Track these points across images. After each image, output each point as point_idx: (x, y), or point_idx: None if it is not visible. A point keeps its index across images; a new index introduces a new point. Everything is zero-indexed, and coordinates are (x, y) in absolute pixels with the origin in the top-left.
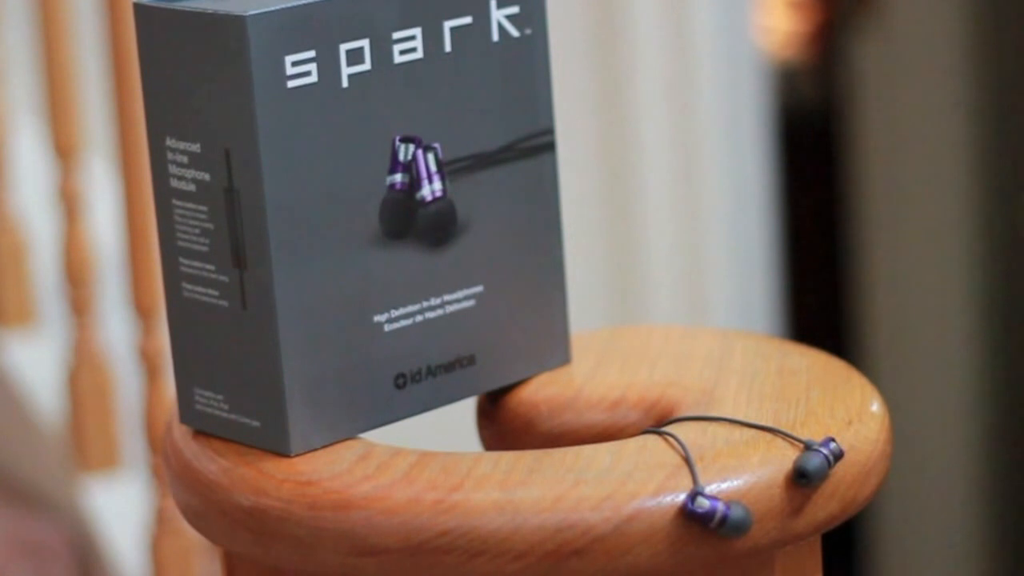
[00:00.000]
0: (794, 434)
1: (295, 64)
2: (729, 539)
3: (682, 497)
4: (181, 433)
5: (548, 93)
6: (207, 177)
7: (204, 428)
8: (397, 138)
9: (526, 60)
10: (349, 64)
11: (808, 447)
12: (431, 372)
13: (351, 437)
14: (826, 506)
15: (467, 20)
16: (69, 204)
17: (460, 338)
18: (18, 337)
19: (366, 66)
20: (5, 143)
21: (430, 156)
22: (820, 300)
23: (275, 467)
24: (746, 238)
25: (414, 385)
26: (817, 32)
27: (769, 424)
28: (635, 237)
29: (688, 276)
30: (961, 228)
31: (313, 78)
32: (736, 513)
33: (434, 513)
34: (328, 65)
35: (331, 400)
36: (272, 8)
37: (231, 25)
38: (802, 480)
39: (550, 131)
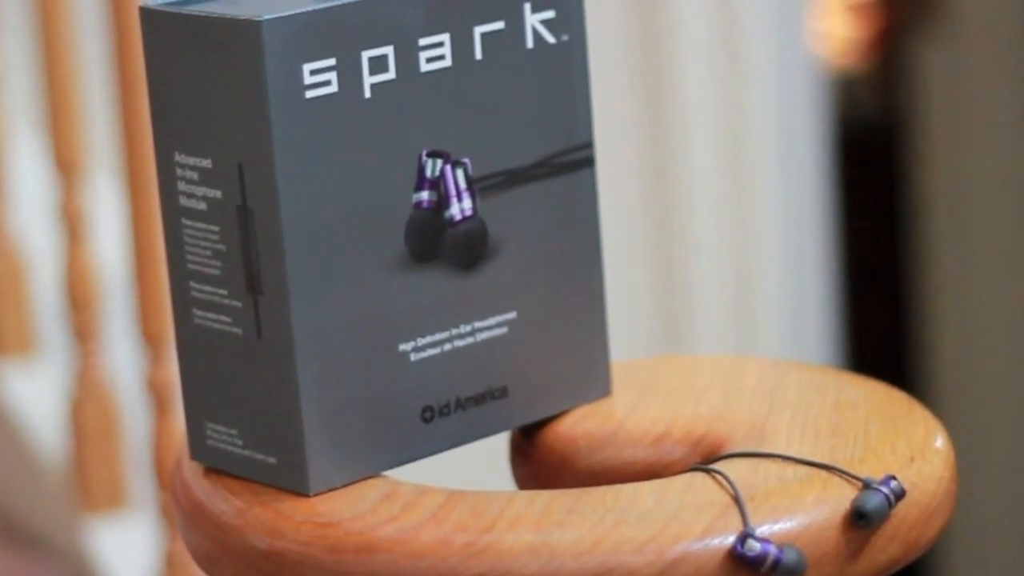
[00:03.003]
0: (852, 471)
1: (314, 73)
2: None
3: (731, 539)
4: (192, 470)
5: (587, 104)
6: (219, 195)
7: (216, 465)
8: (424, 153)
9: (563, 68)
10: (372, 73)
11: (867, 485)
12: (460, 405)
13: (374, 475)
14: (886, 549)
15: (499, 25)
16: (71, 223)
17: (492, 368)
18: (17, 367)
19: (390, 75)
20: (3, 157)
21: (459, 172)
22: (880, 327)
23: (293, 507)
24: (801, 260)
25: (442, 419)
26: (877, 38)
27: (825, 461)
28: (681, 258)
29: (738, 301)
30: None
31: (333, 88)
32: (789, 557)
33: (464, 557)
34: (349, 74)
35: (353, 435)
36: (289, 12)
37: (245, 30)
38: (861, 521)
39: (589, 145)
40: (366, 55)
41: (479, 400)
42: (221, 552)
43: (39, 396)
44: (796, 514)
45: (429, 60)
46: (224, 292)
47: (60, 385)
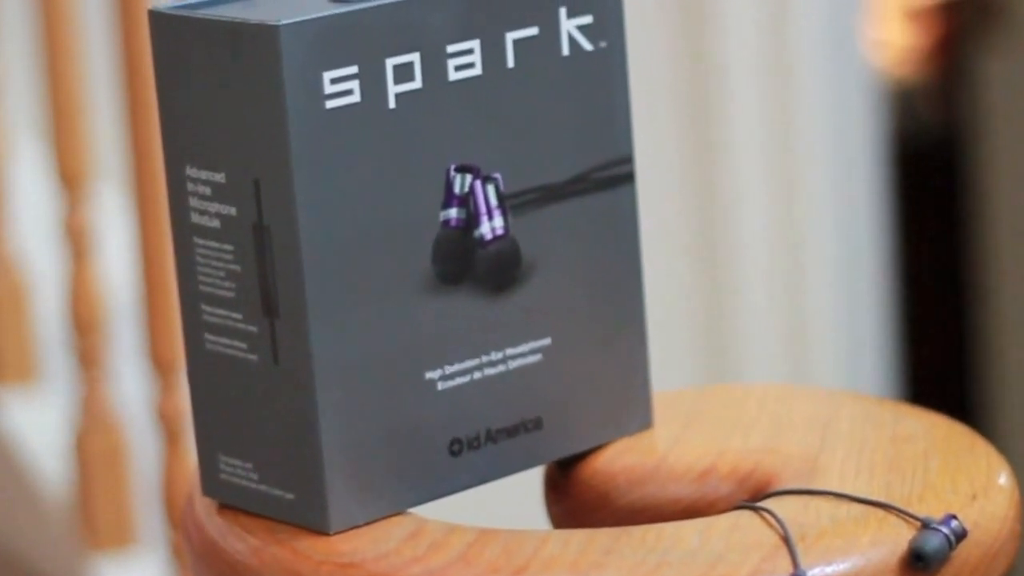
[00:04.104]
0: (910, 510)
1: (334, 81)
2: None
3: None
4: (204, 507)
5: (627, 115)
6: (233, 211)
7: (230, 501)
8: (452, 167)
9: (601, 77)
10: (397, 82)
11: (926, 525)
12: (491, 437)
13: (399, 512)
14: None
15: (533, 31)
16: (75, 240)
17: (525, 398)
18: (18, 395)
19: (416, 84)
20: (3, 170)
21: (490, 188)
22: (940, 355)
23: (312, 546)
24: (856, 283)
25: (472, 452)
26: (937, 47)
27: (881, 499)
28: (728, 281)
29: (789, 327)
30: None
31: (355, 97)
32: None
33: None
34: (373, 82)
35: (376, 469)
36: (309, 16)
37: (261, 36)
38: (919, 563)
39: (629, 159)
40: (391, 63)
41: (511, 432)
42: None
43: (41, 426)
44: (850, 556)
45: (458, 68)
46: (239, 316)
47: (63, 414)
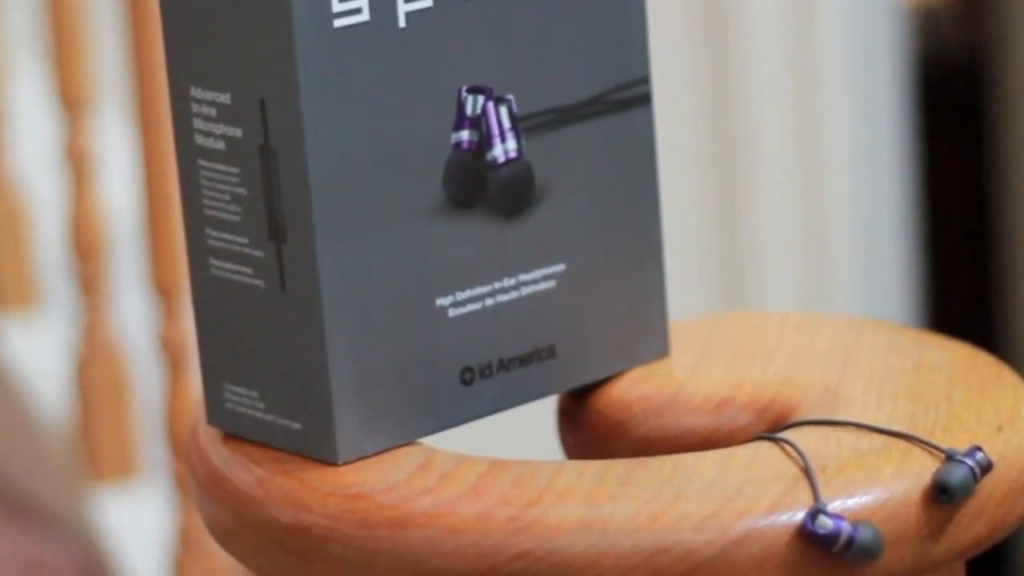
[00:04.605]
0: (934, 442)
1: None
2: (856, 566)
3: (800, 516)
4: (209, 436)
5: (643, 35)
6: (239, 133)
7: (236, 431)
8: (464, 88)
9: None
10: (407, 0)
11: (950, 457)
12: (503, 366)
13: (409, 442)
14: (971, 527)
15: None
16: (77, 164)
17: (538, 326)
18: (17, 322)
19: (427, 2)
20: (3, 94)
21: (503, 110)
22: (964, 282)
23: (319, 477)
24: (876, 209)
25: (483, 381)
26: None
27: (904, 430)
28: (746, 206)
29: (808, 254)
30: None
31: (364, 16)
32: (864, 535)
33: (507, 533)
34: (382, 1)
35: (385, 398)
36: None
37: None
38: (943, 496)
39: (645, 80)
40: None
41: (524, 361)
42: (240, 526)
43: (41, 354)
44: (872, 488)
45: None
46: (244, 240)
47: (64, 342)
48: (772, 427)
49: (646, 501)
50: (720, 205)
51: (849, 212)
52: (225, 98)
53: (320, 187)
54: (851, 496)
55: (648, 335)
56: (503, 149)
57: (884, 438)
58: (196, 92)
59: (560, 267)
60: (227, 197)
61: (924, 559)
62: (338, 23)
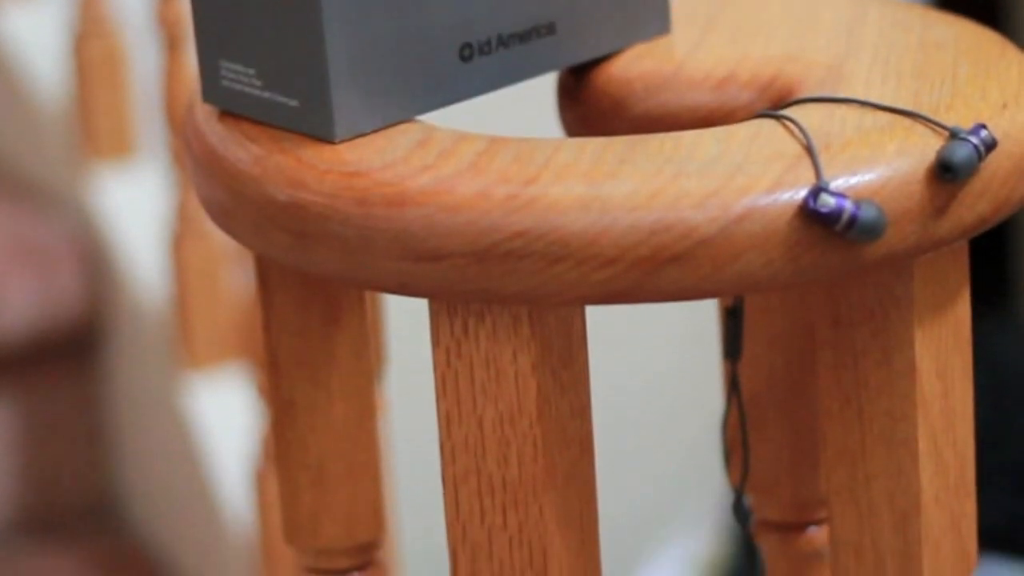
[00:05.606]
0: (938, 119)
1: None
2: (858, 244)
3: (802, 193)
4: (205, 114)
5: None
6: None
7: (232, 108)
8: None
9: None
10: None
11: (954, 135)
12: (503, 42)
13: (407, 119)
14: (974, 206)
15: None
16: None
17: (538, 2)
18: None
19: None
20: None
21: None
22: None
23: (316, 155)
24: None
25: (483, 57)
26: None
27: (908, 107)
28: None
29: None
30: None
31: None
32: (867, 213)
33: (506, 211)
34: None
35: (383, 74)
36: None
37: None
38: (947, 174)
39: None
40: None
41: (524, 37)
42: (237, 204)
43: (37, 31)
44: (875, 166)
45: None
46: None
47: (61, 17)
48: (774, 105)
49: (646, 179)
50: None
51: None
52: None
53: None
54: (854, 174)
55: (648, 10)
56: None
57: (888, 116)
58: None
59: None
60: None
61: (927, 238)
62: None
